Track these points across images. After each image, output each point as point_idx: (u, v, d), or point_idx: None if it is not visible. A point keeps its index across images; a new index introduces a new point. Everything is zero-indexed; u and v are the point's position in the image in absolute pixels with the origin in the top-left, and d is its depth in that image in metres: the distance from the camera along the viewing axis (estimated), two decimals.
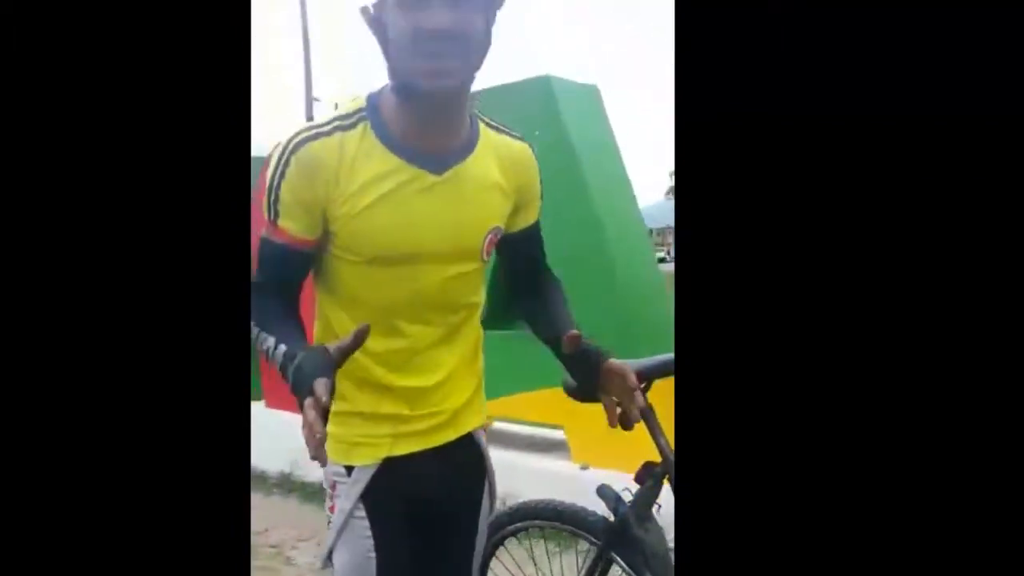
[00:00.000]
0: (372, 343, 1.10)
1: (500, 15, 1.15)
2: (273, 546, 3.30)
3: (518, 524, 1.73)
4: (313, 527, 3.45)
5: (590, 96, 3.46)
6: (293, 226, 1.13)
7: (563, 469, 3.18)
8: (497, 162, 1.22)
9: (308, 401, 0.96)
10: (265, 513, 3.62)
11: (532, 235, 1.33)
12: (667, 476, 1.45)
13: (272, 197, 1.13)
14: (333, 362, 1.03)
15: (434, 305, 1.22)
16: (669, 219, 55.46)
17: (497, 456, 1.48)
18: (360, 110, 1.15)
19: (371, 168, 1.12)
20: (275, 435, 3.75)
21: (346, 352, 1.05)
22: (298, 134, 1.12)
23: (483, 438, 1.38)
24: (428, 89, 1.06)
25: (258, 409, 4.08)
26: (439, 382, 1.24)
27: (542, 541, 1.82)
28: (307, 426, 0.96)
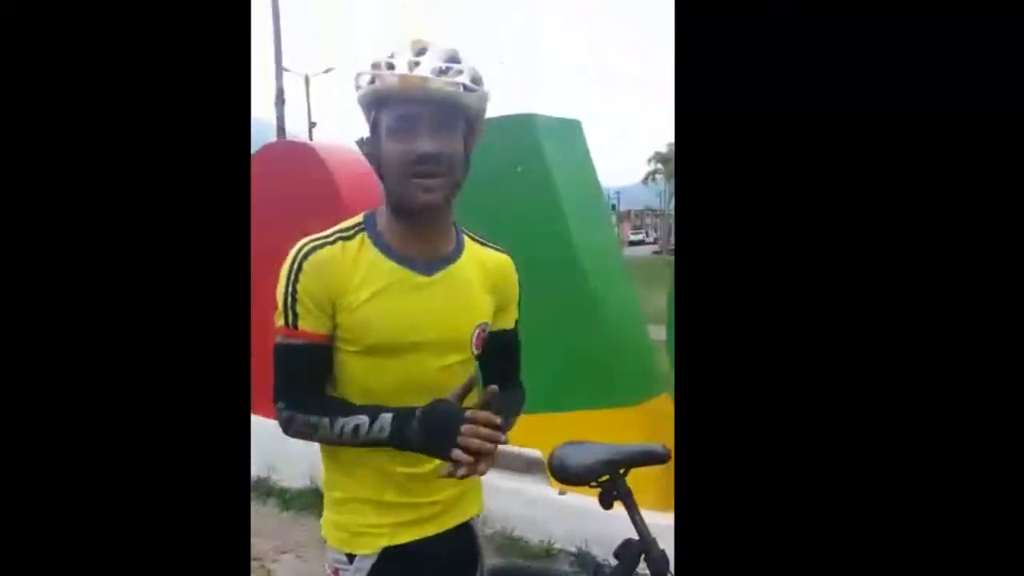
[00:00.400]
0: None
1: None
2: (254, 559, 3.26)
3: None
4: (293, 538, 3.46)
5: (572, 132, 3.58)
6: (310, 324, 1.27)
7: (541, 492, 3.20)
8: (481, 268, 1.38)
9: (469, 427, 1.16)
10: None
11: (509, 338, 1.47)
12: (643, 553, 1.59)
13: (289, 302, 1.27)
14: (455, 404, 1.21)
15: (427, 392, 1.30)
16: (647, 201, 55.84)
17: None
18: (358, 224, 1.32)
19: (368, 269, 1.29)
20: (253, 440, 3.92)
21: (462, 396, 1.22)
22: (305, 245, 1.28)
23: (478, 527, 1.47)
24: (417, 205, 1.24)
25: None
26: (435, 468, 1.31)
27: None
28: (488, 438, 1.15)
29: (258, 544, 3.41)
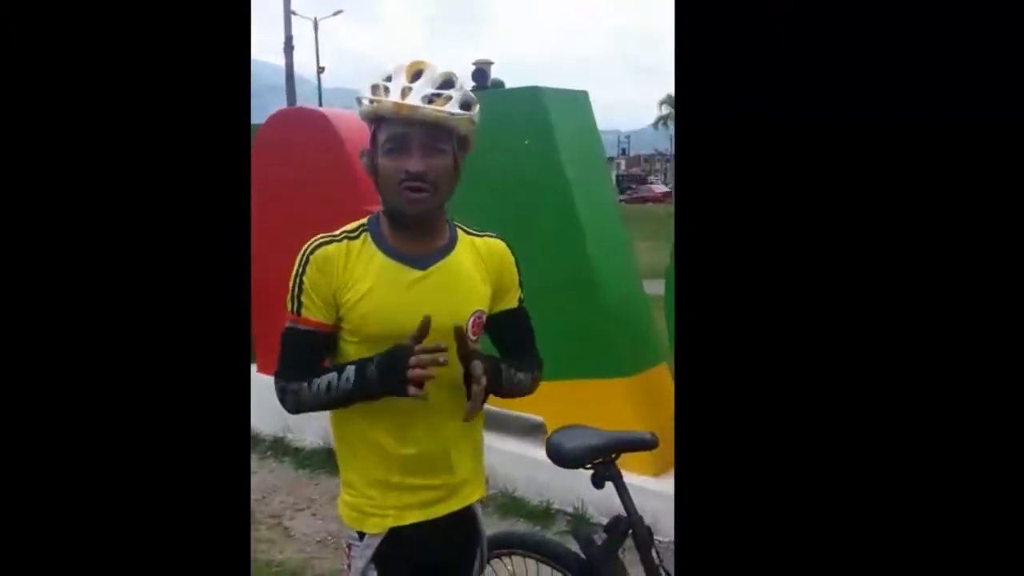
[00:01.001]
0: (375, 411, 1.38)
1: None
2: (273, 516, 3.36)
3: (503, 550, 1.97)
4: (308, 496, 3.51)
5: (579, 104, 3.56)
6: (312, 313, 1.40)
7: (541, 455, 3.31)
8: (475, 257, 1.47)
9: (413, 358, 1.29)
10: (261, 479, 3.69)
11: (516, 317, 1.54)
12: (630, 529, 1.75)
13: (296, 291, 1.40)
14: (406, 345, 1.31)
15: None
16: (657, 144, 55.30)
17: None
18: (362, 225, 1.44)
19: (368, 265, 1.40)
20: (268, 399, 4.04)
21: (417, 339, 1.32)
22: (314, 241, 1.41)
23: (479, 511, 1.56)
24: (410, 214, 1.37)
25: (251, 373, 4.29)
26: (438, 452, 1.45)
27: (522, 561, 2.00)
28: (430, 362, 1.28)
29: (276, 502, 3.51)
